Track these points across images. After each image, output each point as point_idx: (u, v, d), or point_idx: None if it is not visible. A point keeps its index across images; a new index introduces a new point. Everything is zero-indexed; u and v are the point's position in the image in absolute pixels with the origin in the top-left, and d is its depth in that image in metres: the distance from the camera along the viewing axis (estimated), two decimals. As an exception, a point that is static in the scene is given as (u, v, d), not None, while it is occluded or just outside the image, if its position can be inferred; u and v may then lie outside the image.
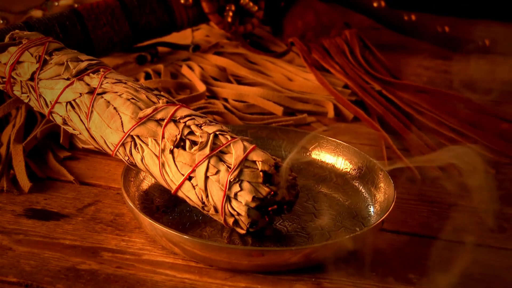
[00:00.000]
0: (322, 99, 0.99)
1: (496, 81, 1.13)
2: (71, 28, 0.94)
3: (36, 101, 0.77)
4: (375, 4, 1.26)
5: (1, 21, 1.14)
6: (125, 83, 0.74)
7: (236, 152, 0.67)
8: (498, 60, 1.23)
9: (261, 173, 0.66)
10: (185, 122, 0.69)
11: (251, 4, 1.09)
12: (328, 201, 0.76)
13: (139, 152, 0.70)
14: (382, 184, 0.76)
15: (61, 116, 0.75)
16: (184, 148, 0.68)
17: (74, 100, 0.73)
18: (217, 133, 0.68)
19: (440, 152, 0.80)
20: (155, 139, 0.69)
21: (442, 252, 0.70)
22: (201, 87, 0.96)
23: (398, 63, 1.17)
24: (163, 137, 0.69)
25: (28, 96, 0.77)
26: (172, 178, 0.68)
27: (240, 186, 0.65)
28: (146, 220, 0.67)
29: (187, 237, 0.64)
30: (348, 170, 0.81)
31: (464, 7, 1.45)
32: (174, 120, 0.70)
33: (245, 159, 0.66)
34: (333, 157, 0.82)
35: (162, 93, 0.74)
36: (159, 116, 0.70)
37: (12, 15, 1.16)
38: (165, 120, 0.69)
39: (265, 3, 1.13)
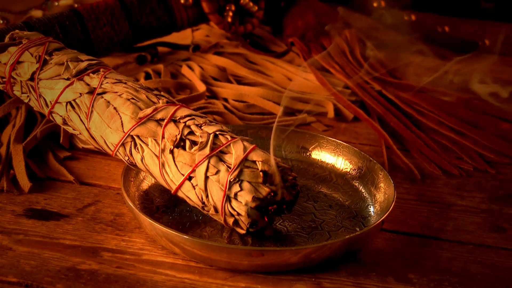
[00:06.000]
0: (322, 99, 0.99)
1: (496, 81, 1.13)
2: (71, 28, 0.94)
3: (36, 101, 0.77)
4: (375, 4, 1.26)
5: (1, 21, 1.14)
6: (125, 83, 0.74)
7: (236, 152, 0.67)
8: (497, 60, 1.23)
9: (261, 173, 0.66)
10: (185, 122, 0.69)
11: (251, 4, 1.09)
12: (328, 201, 0.76)
13: (139, 152, 0.70)
14: (382, 184, 0.76)
15: (61, 116, 0.75)
16: (184, 148, 0.68)
17: (74, 100, 0.73)
18: (217, 133, 0.68)
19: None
20: (155, 139, 0.69)
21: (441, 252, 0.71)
22: (201, 87, 0.96)
23: (398, 63, 1.17)
24: (163, 137, 0.69)
25: (28, 96, 0.77)
26: (172, 178, 0.68)
27: (240, 186, 0.65)
28: (146, 220, 0.67)
29: (187, 237, 0.64)
30: (348, 170, 0.81)
31: (464, 7, 1.45)
32: (174, 120, 0.70)
33: (245, 159, 0.66)
34: (333, 157, 0.82)
35: (162, 93, 0.74)
36: (159, 116, 0.70)
37: (12, 15, 1.16)
38: (165, 120, 0.69)
39: (265, 3, 1.13)
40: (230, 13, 1.07)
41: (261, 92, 0.97)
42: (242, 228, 0.67)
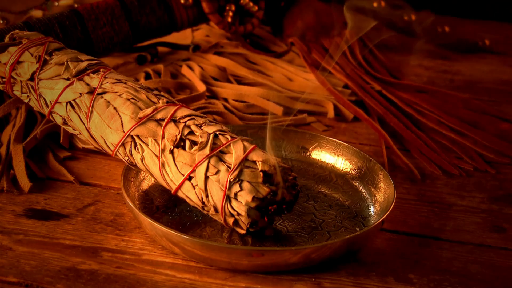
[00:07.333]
0: (322, 99, 0.99)
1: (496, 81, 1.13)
2: (71, 28, 0.94)
3: (36, 101, 0.77)
4: (375, 4, 1.26)
5: (1, 21, 1.14)
6: (125, 83, 0.74)
7: (236, 152, 0.67)
8: (498, 60, 1.23)
9: (261, 173, 0.66)
10: (185, 122, 0.69)
11: (251, 4, 1.09)
12: (328, 201, 0.76)
13: (139, 152, 0.70)
14: (382, 184, 0.76)
15: (61, 116, 0.75)
16: (184, 148, 0.68)
17: (74, 100, 0.73)
18: (217, 133, 0.68)
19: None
20: (155, 139, 0.69)
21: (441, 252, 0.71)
22: (201, 87, 0.96)
23: (398, 63, 1.17)
24: (163, 137, 0.69)
25: (28, 96, 0.77)
26: (172, 178, 0.68)
27: (240, 186, 0.65)
28: (146, 220, 0.67)
29: (187, 237, 0.64)
30: (348, 170, 0.81)
31: (464, 7, 1.45)
32: (174, 120, 0.70)
33: (245, 159, 0.66)
34: (333, 157, 0.82)
35: (162, 93, 0.74)
36: (159, 116, 0.70)
37: (12, 15, 1.16)
38: (165, 120, 0.69)
39: (265, 3, 1.13)
40: (230, 13, 1.07)
41: (261, 92, 0.97)
42: (242, 228, 0.67)
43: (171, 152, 0.68)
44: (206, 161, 0.66)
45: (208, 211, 0.67)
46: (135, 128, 0.70)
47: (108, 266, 0.66)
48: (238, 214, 0.65)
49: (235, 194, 0.65)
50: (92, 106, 0.72)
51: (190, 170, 0.67)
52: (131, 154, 0.71)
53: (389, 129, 0.94)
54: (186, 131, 0.69)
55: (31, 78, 0.76)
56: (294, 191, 0.68)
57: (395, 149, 0.88)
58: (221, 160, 0.67)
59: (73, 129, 0.75)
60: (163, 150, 0.68)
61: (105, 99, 0.72)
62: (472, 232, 0.74)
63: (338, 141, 0.82)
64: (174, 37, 1.11)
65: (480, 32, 1.33)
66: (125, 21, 0.99)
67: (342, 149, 0.82)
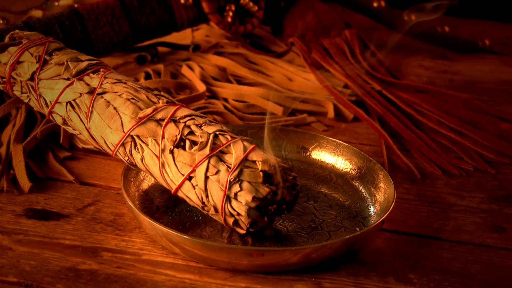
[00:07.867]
0: (322, 99, 0.99)
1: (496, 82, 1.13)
2: (71, 28, 0.94)
3: (36, 101, 0.77)
4: (375, 4, 1.26)
5: (1, 21, 1.14)
6: (125, 83, 0.74)
7: (236, 152, 0.67)
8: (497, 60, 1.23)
9: (261, 173, 0.66)
10: (185, 122, 0.69)
11: (251, 4, 1.09)
12: (328, 201, 0.76)
13: (139, 152, 0.70)
14: (382, 184, 0.76)
15: (61, 116, 0.75)
16: (184, 148, 0.68)
17: (74, 100, 0.73)
18: (217, 133, 0.68)
19: None
20: (155, 139, 0.69)
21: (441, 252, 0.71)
22: (201, 87, 0.96)
23: (398, 63, 1.17)
24: (163, 137, 0.69)
25: (28, 96, 0.77)
26: (172, 178, 0.68)
27: (240, 186, 0.65)
28: (146, 220, 0.67)
29: (187, 237, 0.64)
30: (348, 170, 0.81)
31: (464, 7, 1.45)
32: (174, 120, 0.70)
33: (245, 159, 0.66)
34: (333, 157, 0.82)
35: (162, 93, 0.74)
36: (159, 116, 0.70)
37: (12, 15, 1.16)
38: (165, 120, 0.69)
39: (265, 3, 1.13)
40: (230, 13, 1.07)
41: (261, 92, 0.97)
42: (242, 228, 0.67)
43: (171, 152, 0.68)
44: (206, 161, 0.66)
45: (208, 211, 0.67)
46: (135, 128, 0.70)
47: (108, 266, 0.66)
48: (238, 214, 0.65)
49: (235, 194, 0.65)
50: (92, 106, 0.72)
51: (190, 170, 0.67)
52: (131, 154, 0.71)
53: (389, 129, 0.94)
54: (186, 131, 0.69)
55: (31, 78, 0.76)
56: (294, 191, 0.68)
57: (395, 149, 0.88)
58: (221, 160, 0.67)
59: (73, 129, 0.75)
60: (163, 150, 0.68)
61: (105, 99, 0.72)
62: (472, 232, 0.74)
63: (338, 141, 0.82)
64: (174, 37, 1.11)
65: (480, 32, 1.33)
66: (125, 21, 0.99)
67: (342, 149, 0.82)
